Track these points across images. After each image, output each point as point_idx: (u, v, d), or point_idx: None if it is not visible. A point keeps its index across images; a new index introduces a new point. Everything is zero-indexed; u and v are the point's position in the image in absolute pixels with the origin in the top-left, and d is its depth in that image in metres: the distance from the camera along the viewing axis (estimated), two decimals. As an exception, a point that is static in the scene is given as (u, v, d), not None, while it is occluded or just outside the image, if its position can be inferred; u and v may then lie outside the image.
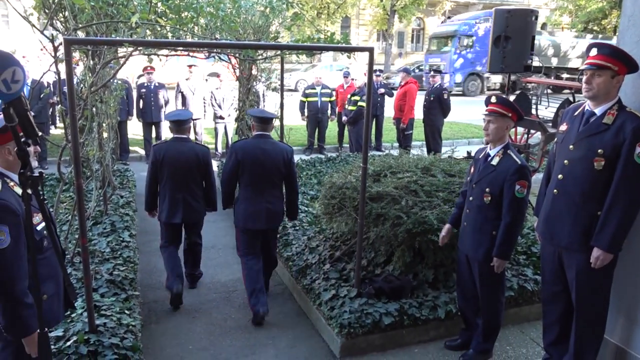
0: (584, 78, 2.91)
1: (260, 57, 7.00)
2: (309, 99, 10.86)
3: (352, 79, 10.93)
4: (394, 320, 3.86)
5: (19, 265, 2.26)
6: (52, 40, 3.88)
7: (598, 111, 2.93)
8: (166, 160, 4.47)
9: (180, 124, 4.56)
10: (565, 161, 3.01)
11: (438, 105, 9.65)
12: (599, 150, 2.85)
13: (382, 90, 10.87)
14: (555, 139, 3.26)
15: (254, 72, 7.96)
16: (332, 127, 12.03)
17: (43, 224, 2.40)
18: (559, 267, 3.14)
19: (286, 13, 7.07)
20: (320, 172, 8.38)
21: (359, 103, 10.04)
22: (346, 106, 10.53)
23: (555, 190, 3.07)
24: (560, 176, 3.04)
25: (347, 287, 4.16)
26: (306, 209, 6.26)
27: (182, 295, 4.45)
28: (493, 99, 3.42)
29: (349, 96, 10.50)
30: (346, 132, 10.90)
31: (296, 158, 9.07)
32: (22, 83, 1.73)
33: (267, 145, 4.31)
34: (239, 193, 4.40)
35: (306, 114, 10.96)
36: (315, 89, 10.88)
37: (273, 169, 4.30)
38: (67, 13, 4.33)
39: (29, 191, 1.82)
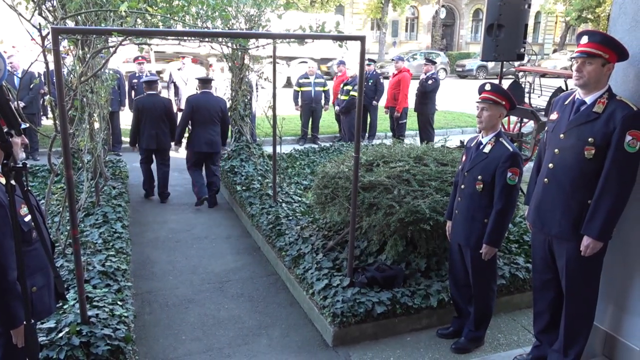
0: (575, 66, 2.90)
1: (252, 46, 6.95)
2: (303, 89, 10.81)
3: (347, 68, 10.89)
4: (387, 309, 3.88)
5: (7, 256, 2.25)
6: (40, 29, 3.83)
7: (588, 100, 2.92)
8: (144, 109, 6.71)
9: (152, 83, 6.88)
10: (556, 150, 3.01)
11: (427, 94, 9.66)
12: (590, 139, 2.85)
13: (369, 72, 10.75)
14: (546, 128, 3.26)
15: (246, 61, 7.91)
16: (325, 117, 12.00)
17: (30, 215, 2.38)
18: (550, 255, 3.15)
19: (278, 1, 7.02)
20: (313, 161, 8.37)
21: (351, 93, 10.03)
22: (339, 96, 10.49)
23: (545, 179, 3.07)
24: (550, 165, 3.04)
25: (340, 277, 4.17)
26: (299, 198, 6.26)
27: (153, 191, 7.17)
28: (487, 87, 3.42)
29: (341, 85, 10.46)
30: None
31: (289, 148, 9.15)
32: (3, 72, 1.70)
33: (210, 97, 6.81)
34: (193, 129, 6.72)
35: (300, 103, 10.92)
36: (309, 78, 10.83)
37: (214, 112, 6.69)
38: (55, 2, 4.28)
39: (13, 182, 1.80)
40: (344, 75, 10.79)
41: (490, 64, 26.13)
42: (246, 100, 8.25)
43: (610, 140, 2.80)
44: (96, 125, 5.42)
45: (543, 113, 7.75)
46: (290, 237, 5.05)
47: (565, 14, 36.69)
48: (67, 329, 3.17)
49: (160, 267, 5.07)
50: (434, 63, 10.29)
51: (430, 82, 9.60)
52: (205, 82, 6.93)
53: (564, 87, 8.28)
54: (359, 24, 37.46)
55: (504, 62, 6.70)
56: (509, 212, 3.39)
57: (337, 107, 10.71)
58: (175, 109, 9.65)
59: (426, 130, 9.91)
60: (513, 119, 9.07)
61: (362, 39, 3.83)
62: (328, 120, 12.36)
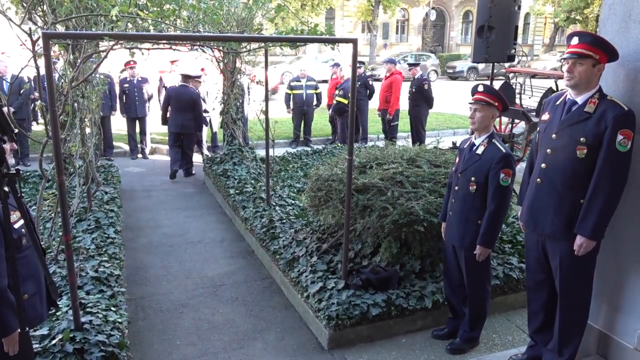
0: (566, 67, 2.92)
1: (244, 49, 6.94)
2: (295, 92, 10.82)
3: (339, 71, 10.91)
4: (382, 311, 3.88)
5: None
6: (30, 34, 3.80)
7: (579, 100, 2.94)
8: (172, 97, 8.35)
9: (186, 77, 8.46)
10: (548, 150, 3.03)
11: (421, 97, 9.69)
12: (581, 139, 2.87)
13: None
14: (538, 128, 3.28)
15: (238, 65, 7.91)
16: (318, 120, 12.00)
17: (21, 222, 2.36)
18: (543, 255, 3.17)
19: (270, 5, 7.02)
20: (306, 164, 8.37)
21: (337, 98, 10.09)
22: (334, 99, 10.54)
23: (538, 180, 3.09)
24: (543, 165, 3.06)
25: (335, 279, 4.16)
26: (293, 201, 6.25)
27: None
28: (480, 88, 3.44)
29: (336, 89, 10.49)
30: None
31: (282, 151, 9.15)
32: None
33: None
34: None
35: (292, 106, 10.92)
36: (300, 81, 10.84)
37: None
38: (45, 6, 4.25)
39: (6, 189, 1.78)
40: (338, 78, 10.80)
41: (481, 66, 26.26)
42: (238, 103, 8.24)
43: (602, 139, 2.82)
44: (87, 130, 5.38)
45: (534, 114, 7.80)
46: (284, 240, 5.04)
47: (554, 15, 36.99)
48: (60, 336, 3.14)
49: (154, 272, 5.05)
50: (417, 65, 10.32)
51: (425, 86, 9.63)
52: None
53: (554, 88, 8.34)
54: (349, 27, 37.57)
55: (495, 64, 6.74)
56: (502, 213, 3.40)
57: (331, 111, 10.74)
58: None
59: (418, 132, 9.95)
60: (504, 120, 9.11)
61: (354, 42, 3.84)
62: (320, 122, 12.36)
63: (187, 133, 8.31)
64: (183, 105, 8.12)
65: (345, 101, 9.82)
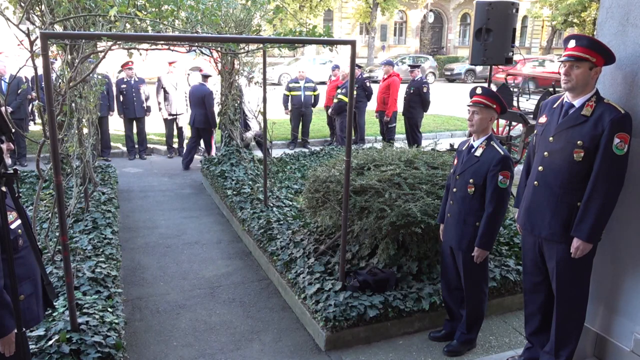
0: (563, 70, 2.93)
1: (242, 50, 6.95)
2: (293, 93, 10.82)
3: (337, 73, 10.93)
4: (379, 313, 3.88)
5: None
6: (28, 34, 3.79)
7: (577, 103, 2.95)
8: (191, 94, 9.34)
9: (204, 77, 9.23)
10: (545, 153, 3.04)
11: (417, 99, 9.70)
12: (578, 142, 2.88)
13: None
14: (535, 131, 3.29)
15: (236, 66, 7.91)
16: (315, 121, 12.00)
17: (18, 222, 2.35)
18: (540, 257, 3.17)
19: (268, 6, 7.03)
20: (304, 166, 8.37)
21: (339, 96, 10.11)
22: (334, 100, 10.55)
23: (535, 182, 3.10)
24: (540, 168, 3.06)
25: (332, 281, 4.16)
26: (290, 203, 6.25)
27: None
28: (478, 90, 3.44)
29: (337, 88, 10.51)
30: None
31: (280, 152, 9.16)
32: None
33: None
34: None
35: (290, 108, 10.93)
36: (298, 82, 10.84)
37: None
38: (43, 6, 4.24)
39: (3, 189, 1.78)
40: (338, 79, 10.82)
41: (479, 68, 26.34)
42: (236, 104, 8.24)
43: (599, 142, 2.83)
44: (85, 130, 5.37)
45: (532, 116, 7.82)
46: (282, 241, 5.04)
47: (551, 18, 37.09)
48: (56, 337, 3.14)
49: (151, 273, 5.04)
50: (418, 67, 10.33)
51: (424, 89, 9.64)
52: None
53: (552, 91, 8.35)
54: (347, 29, 37.61)
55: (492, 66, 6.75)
56: (500, 215, 3.41)
57: (331, 110, 10.76)
58: (165, 114, 9.67)
59: (413, 134, 9.97)
60: (502, 122, 9.13)
61: (352, 43, 3.84)
62: (318, 124, 12.37)
63: (201, 127, 9.17)
64: (196, 102, 9.01)
65: (347, 99, 9.83)
